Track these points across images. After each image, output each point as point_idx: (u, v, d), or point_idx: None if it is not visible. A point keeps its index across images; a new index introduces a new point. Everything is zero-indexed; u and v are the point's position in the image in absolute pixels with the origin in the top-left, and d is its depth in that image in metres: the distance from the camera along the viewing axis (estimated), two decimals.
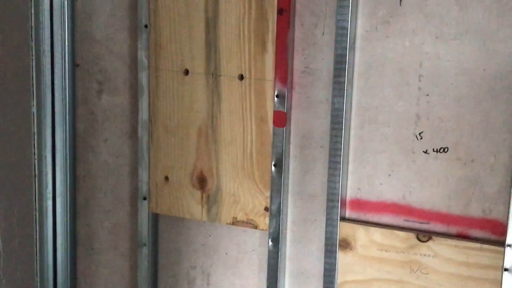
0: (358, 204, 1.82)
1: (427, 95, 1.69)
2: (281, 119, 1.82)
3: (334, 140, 1.77)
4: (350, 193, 1.82)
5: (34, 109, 2.02)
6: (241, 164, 1.89)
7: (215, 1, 1.84)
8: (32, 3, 1.97)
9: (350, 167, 1.81)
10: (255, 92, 1.84)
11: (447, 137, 1.69)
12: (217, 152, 1.92)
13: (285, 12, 1.76)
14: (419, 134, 1.71)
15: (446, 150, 1.69)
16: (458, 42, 1.63)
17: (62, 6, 2.04)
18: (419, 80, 1.69)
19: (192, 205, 1.97)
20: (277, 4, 1.76)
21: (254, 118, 1.85)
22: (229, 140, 1.89)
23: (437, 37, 1.65)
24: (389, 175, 1.77)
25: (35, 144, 2.04)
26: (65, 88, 2.08)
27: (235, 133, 1.88)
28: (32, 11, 1.98)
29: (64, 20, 2.05)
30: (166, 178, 2.00)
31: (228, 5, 1.82)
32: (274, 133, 1.83)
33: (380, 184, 1.78)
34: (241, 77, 1.85)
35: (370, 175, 1.79)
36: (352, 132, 1.79)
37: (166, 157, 1.99)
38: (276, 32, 1.78)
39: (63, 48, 2.06)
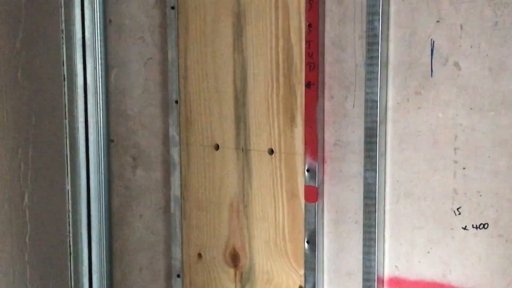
0: (397, 282, 1.73)
1: (464, 168, 1.61)
2: (313, 194, 1.76)
3: (368, 216, 1.70)
4: (388, 271, 1.74)
5: (68, 187, 2.03)
6: (274, 240, 1.83)
7: (243, 77, 1.82)
8: (65, 82, 1.99)
9: (387, 243, 1.73)
10: (286, 166, 1.79)
11: (486, 212, 1.60)
12: (249, 228, 1.87)
13: (313, 86, 1.72)
14: (457, 209, 1.63)
15: (486, 226, 1.60)
16: (493, 114, 1.56)
17: (96, 83, 2.06)
18: (455, 153, 1.62)
19: (225, 282, 1.92)
20: (305, 78, 1.72)
21: (285, 193, 1.80)
22: (261, 216, 1.85)
23: (471, 109, 1.58)
24: (428, 252, 1.68)
25: (70, 222, 2.04)
26: (100, 164, 2.09)
27: (267, 208, 1.83)
28: (66, 90, 2.00)
29: (97, 96, 2.06)
30: (199, 255, 1.96)
31: (256, 80, 1.80)
32: (306, 209, 1.78)
33: (419, 261, 1.70)
34: (271, 152, 1.81)
35: (407, 252, 1.71)
36: (387, 207, 1.72)
37: (199, 234, 1.95)
38: (305, 106, 1.74)
39: (97, 124, 2.07)
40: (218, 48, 1.85)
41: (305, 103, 1.73)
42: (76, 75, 2.03)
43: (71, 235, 2.05)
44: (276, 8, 1.74)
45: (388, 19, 1.64)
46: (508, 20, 1.51)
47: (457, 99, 1.60)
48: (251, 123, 1.83)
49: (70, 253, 2.05)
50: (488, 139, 1.57)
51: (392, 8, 1.64)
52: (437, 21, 1.59)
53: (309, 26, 1.70)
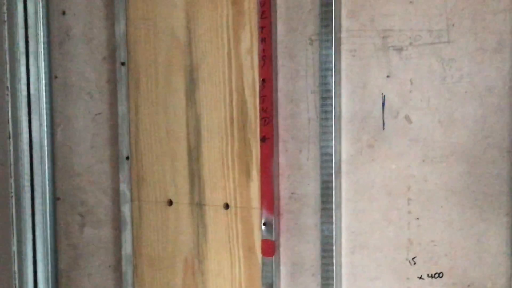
0: None
1: (417, 218, 1.65)
2: (270, 248, 1.76)
3: (325, 268, 1.72)
4: None
5: (14, 248, 1.96)
6: None
7: (196, 132, 1.82)
8: (11, 140, 1.94)
9: None
10: (242, 221, 1.79)
11: (441, 261, 1.64)
12: (205, 285, 1.85)
13: (268, 140, 1.74)
14: (412, 259, 1.66)
15: (441, 275, 1.64)
16: (444, 165, 1.61)
17: (41, 140, 2.01)
18: (408, 204, 1.66)
19: None
20: (260, 132, 1.74)
21: (241, 248, 1.80)
22: (217, 271, 1.83)
23: (423, 160, 1.63)
24: None
25: (16, 284, 1.97)
26: (46, 223, 2.03)
27: (222, 264, 1.82)
28: (11, 148, 1.95)
29: (43, 153, 2.02)
30: None
31: (210, 135, 1.80)
32: (263, 263, 1.77)
33: None
34: (227, 206, 1.81)
35: None
36: (344, 259, 1.73)
37: None
38: (260, 160, 1.75)
39: (43, 183, 2.02)
40: (170, 103, 1.85)
41: (260, 157, 1.75)
42: (21, 132, 1.98)
43: None
44: (230, 63, 1.76)
45: (340, 74, 1.69)
46: (456, 74, 1.58)
47: (409, 151, 1.64)
48: (205, 177, 1.82)
49: None
50: (440, 190, 1.62)
51: (344, 64, 1.69)
52: (387, 76, 1.65)
53: (263, 81, 1.73)
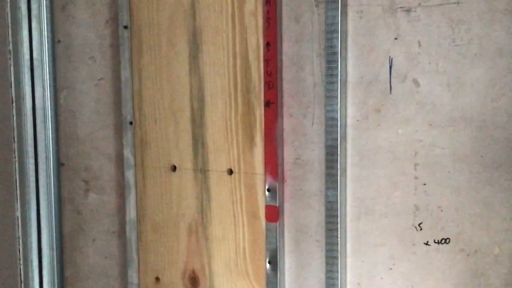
0: None
1: (424, 184, 1.62)
2: (274, 214, 1.74)
3: (329, 234, 1.70)
4: None
5: (18, 213, 1.95)
6: (234, 262, 1.80)
7: (200, 97, 1.79)
8: (14, 105, 1.93)
9: (349, 261, 1.72)
10: (245, 186, 1.77)
11: (448, 227, 1.61)
12: (209, 250, 1.83)
13: (273, 104, 1.71)
14: (419, 225, 1.64)
15: (448, 241, 1.61)
16: (452, 129, 1.58)
17: (45, 105, 1.99)
18: (415, 169, 1.63)
19: None
20: (264, 97, 1.71)
21: (245, 213, 1.78)
22: (221, 237, 1.81)
23: (430, 125, 1.60)
24: (390, 268, 1.68)
25: (20, 249, 1.96)
26: (50, 189, 2.02)
27: (226, 229, 1.80)
28: (14, 113, 1.93)
29: (47, 119, 2.00)
30: (157, 279, 1.91)
31: (214, 100, 1.77)
32: (267, 229, 1.75)
33: (381, 278, 1.69)
34: (230, 172, 1.78)
35: (370, 269, 1.70)
36: (349, 225, 1.71)
37: (156, 257, 1.90)
38: (264, 125, 1.72)
39: (47, 148, 2.01)
40: (173, 68, 1.82)
41: (264, 122, 1.72)
42: (24, 97, 1.96)
43: (21, 262, 1.97)
44: (233, 26, 1.73)
45: (347, 37, 1.65)
46: (465, 36, 1.54)
47: (417, 115, 1.61)
48: (209, 143, 1.80)
49: (21, 282, 1.97)
50: (448, 155, 1.59)
51: (350, 26, 1.65)
52: (395, 38, 1.61)
53: (267, 44, 1.69)
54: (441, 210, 1.61)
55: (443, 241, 1.62)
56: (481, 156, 1.56)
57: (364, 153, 1.67)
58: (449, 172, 1.59)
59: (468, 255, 1.60)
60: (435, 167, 1.61)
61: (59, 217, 2.06)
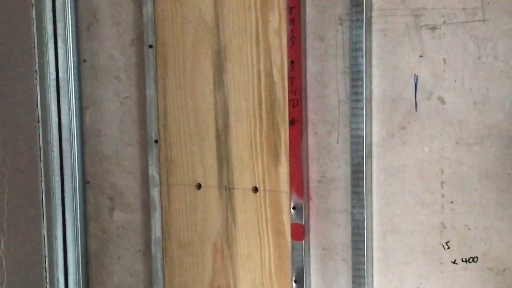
0: None
1: (451, 202, 1.61)
2: (299, 232, 1.74)
3: (356, 252, 1.69)
4: None
5: (44, 232, 1.97)
6: (260, 280, 1.80)
7: (224, 114, 1.79)
8: (40, 123, 1.94)
9: (375, 280, 1.71)
10: (271, 204, 1.77)
11: (475, 246, 1.60)
12: (234, 268, 1.83)
13: (297, 122, 1.71)
14: (446, 243, 1.63)
15: (475, 259, 1.60)
16: (479, 147, 1.57)
17: (71, 123, 2.01)
18: (442, 187, 1.62)
19: None
20: (289, 115, 1.71)
21: (270, 232, 1.78)
22: (246, 255, 1.81)
23: (457, 142, 1.59)
24: (418, 287, 1.67)
25: (47, 268, 1.97)
26: (76, 207, 2.03)
27: (252, 248, 1.80)
28: (40, 132, 1.95)
29: (72, 137, 2.01)
30: None
31: (239, 118, 1.78)
32: (292, 247, 1.75)
33: None
34: (255, 190, 1.78)
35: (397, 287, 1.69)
36: (375, 243, 1.70)
37: (182, 276, 1.90)
38: (289, 143, 1.72)
39: (72, 166, 2.02)
40: (198, 86, 1.83)
41: (289, 140, 1.72)
42: (50, 116, 1.98)
43: (47, 281, 1.98)
44: (258, 45, 1.73)
45: (371, 54, 1.65)
46: (491, 53, 1.53)
47: (443, 133, 1.60)
48: (234, 161, 1.80)
49: None
50: (475, 173, 1.58)
51: (375, 44, 1.64)
52: (420, 56, 1.60)
53: (292, 62, 1.69)
54: (468, 229, 1.60)
55: (470, 260, 1.61)
56: (508, 174, 1.55)
57: (390, 170, 1.66)
58: (476, 190, 1.58)
59: (496, 274, 1.58)
60: (462, 185, 1.59)
61: (85, 235, 2.07)
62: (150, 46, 1.87)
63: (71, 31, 2.00)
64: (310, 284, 1.78)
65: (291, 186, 1.73)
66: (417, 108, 1.62)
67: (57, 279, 2.01)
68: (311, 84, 1.72)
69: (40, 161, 1.95)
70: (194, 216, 1.87)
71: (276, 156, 1.75)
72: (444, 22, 1.57)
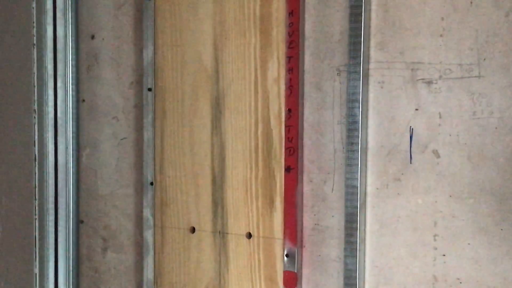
0: None
1: (444, 255, 1.62)
2: (292, 280, 1.74)
3: None
4: None
5: (36, 270, 1.96)
6: None
7: (221, 159, 1.81)
8: (36, 162, 1.95)
9: None
10: (264, 251, 1.77)
11: None
12: None
13: (293, 170, 1.72)
14: None
15: None
16: (472, 201, 1.58)
17: (67, 163, 2.02)
18: (435, 240, 1.62)
19: None
20: (285, 162, 1.72)
21: (263, 278, 1.77)
22: None
23: (450, 196, 1.60)
24: None
25: None
26: (69, 246, 2.03)
27: None
28: (36, 170, 1.95)
29: (68, 176, 2.02)
30: None
31: (235, 163, 1.79)
32: None
33: None
34: (249, 236, 1.79)
35: None
36: None
37: None
38: (285, 190, 1.73)
39: (67, 205, 2.02)
40: (196, 130, 1.84)
41: (284, 187, 1.73)
42: (47, 155, 1.99)
43: None
44: (256, 92, 1.75)
45: (368, 106, 1.67)
46: (486, 109, 1.55)
47: (437, 186, 1.61)
48: (229, 206, 1.81)
49: None
50: (468, 226, 1.59)
51: (372, 95, 1.67)
52: (416, 109, 1.62)
53: (289, 111, 1.71)
54: (460, 282, 1.60)
55: None
56: (501, 229, 1.56)
57: (383, 221, 1.67)
58: (469, 244, 1.59)
59: None
60: (455, 239, 1.60)
61: (77, 274, 2.06)
62: (149, 89, 1.89)
63: (71, 72, 2.02)
64: None
65: (285, 233, 1.74)
66: (412, 161, 1.64)
67: None
68: (307, 132, 1.74)
69: (35, 199, 1.96)
70: (187, 260, 1.87)
71: (271, 202, 1.76)
72: (440, 77, 1.59)
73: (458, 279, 1.60)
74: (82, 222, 2.07)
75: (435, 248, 1.62)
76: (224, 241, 1.82)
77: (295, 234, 1.73)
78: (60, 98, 2.02)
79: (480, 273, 1.58)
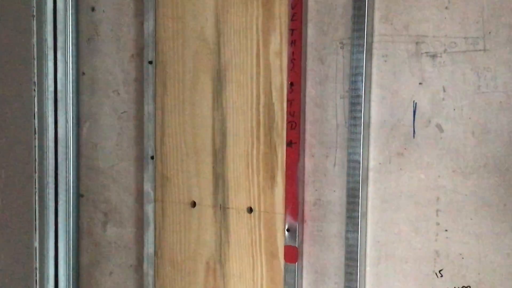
0: None
1: (446, 230, 1.61)
2: (293, 255, 1.73)
3: (349, 277, 1.68)
4: None
5: (36, 243, 1.95)
6: None
7: (222, 134, 1.79)
8: (36, 135, 1.94)
9: None
10: (265, 226, 1.76)
11: (468, 275, 1.59)
12: None
13: (295, 144, 1.70)
14: (439, 271, 1.62)
15: None
16: (475, 176, 1.57)
17: (67, 136, 2.00)
18: (437, 215, 1.61)
19: None
20: (286, 137, 1.71)
21: (264, 253, 1.77)
22: (238, 275, 1.80)
23: (453, 171, 1.59)
24: None
25: (37, 280, 1.96)
26: (69, 220, 2.02)
27: (244, 268, 1.79)
28: (36, 143, 1.94)
29: (68, 150, 2.01)
30: None
31: (236, 138, 1.77)
32: (285, 269, 1.74)
33: None
34: (250, 210, 1.78)
35: None
36: (368, 269, 1.70)
37: None
38: (286, 165, 1.72)
39: (67, 179, 2.01)
40: (197, 104, 1.82)
41: (286, 161, 1.71)
42: (47, 128, 1.97)
43: None
44: (258, 66, 1.73)
45: (371, 80, 1.65)
46: (490, 84, 1.53)
47: (440, 161, 1.60)
48: (230, 180, 1.80)
49: None
50: (470, 202, 1.58)
51: (375, 69, 1.65)
52: (420, 83, 1.60)
53: (291, 84, 1.69)
54: (462, 258, 1.60)
55: None
56: (504, 205, 1.54)
57: (385, 196, 1.66)
58: (471, 219, 1.58)
59: None
60: (457, 214, 1.59)
61: (77, 249, 2.05)
62: (150, 62, 1.87)
63: (72, 44, 2.00)
64: None
65: (286, 208, 1.73)
66: (415, 135, 1.62)
67: None
68: (310, 106, 1.72)
69: (35, 173, 1.94)
70: (188, 234, 1.86)
71: (272, 177, 1.74)
72: (445, 51, 1.57)
73: (460, 254, 1.60)
74: (82, 196, 2.06)
75: (438, 224, 1.61)
76: (225, 216, 1.81)
77: (296, 209, 1.72)
78: (60, 71, 2.00)
79: (482, 248, 1.57)
